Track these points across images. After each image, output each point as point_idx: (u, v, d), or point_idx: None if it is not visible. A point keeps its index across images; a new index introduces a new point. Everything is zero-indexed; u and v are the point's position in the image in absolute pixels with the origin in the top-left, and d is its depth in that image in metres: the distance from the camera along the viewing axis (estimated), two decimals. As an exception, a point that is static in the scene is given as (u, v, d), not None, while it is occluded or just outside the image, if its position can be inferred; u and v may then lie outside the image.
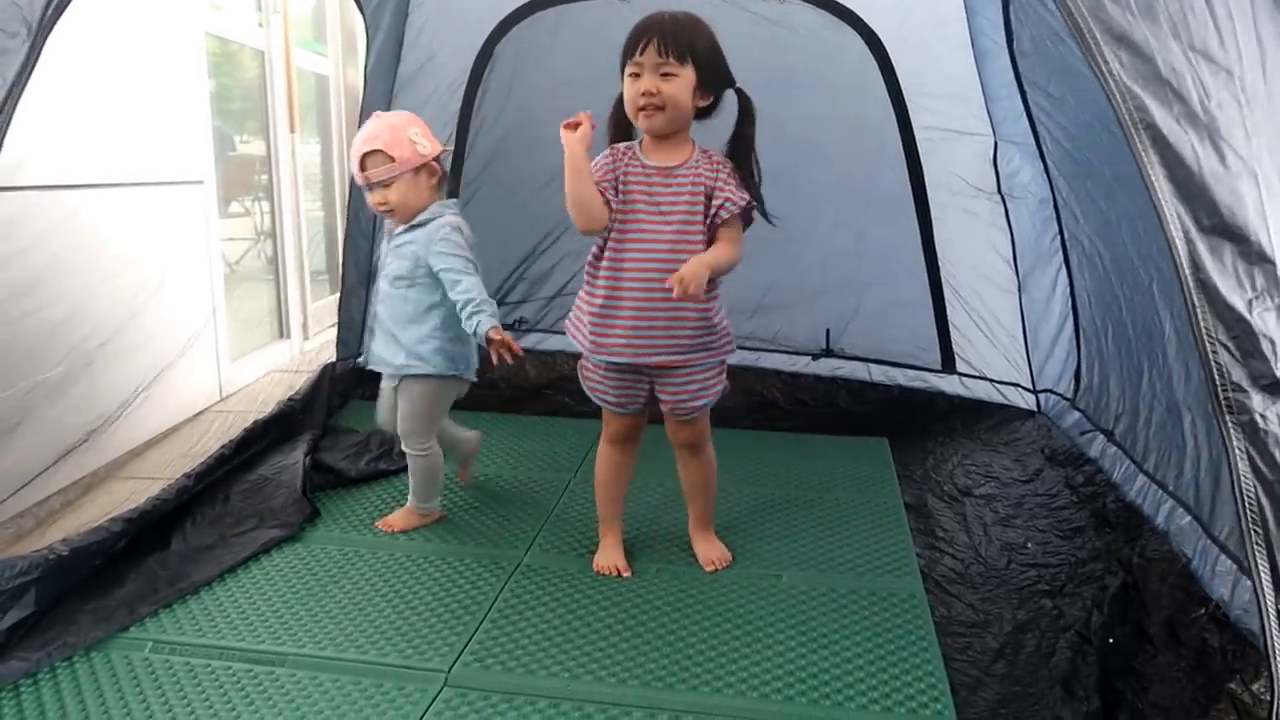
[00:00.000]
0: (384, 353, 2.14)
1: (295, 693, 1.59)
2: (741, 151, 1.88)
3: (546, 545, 2.16)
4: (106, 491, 2.48)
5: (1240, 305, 1.20)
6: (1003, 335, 3.00)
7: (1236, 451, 1.21)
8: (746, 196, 1.85)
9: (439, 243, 2.05)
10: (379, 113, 2.09)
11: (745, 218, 1.88)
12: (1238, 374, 1.20)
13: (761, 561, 2.10)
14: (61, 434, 2.44)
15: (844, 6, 2.93)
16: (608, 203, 1.84)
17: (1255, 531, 1.21)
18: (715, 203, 1.84)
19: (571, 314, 1.99)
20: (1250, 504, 1.21)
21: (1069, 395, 2.73)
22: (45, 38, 1.51)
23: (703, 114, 1.87)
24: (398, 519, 2.23)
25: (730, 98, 1.89)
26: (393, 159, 2.02)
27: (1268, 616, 1.21)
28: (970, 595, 1.94)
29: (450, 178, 3.28)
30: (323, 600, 1.88)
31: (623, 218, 1.85)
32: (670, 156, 1.86)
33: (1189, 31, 1.23)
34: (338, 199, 4.61)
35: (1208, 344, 1.21)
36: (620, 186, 1.85)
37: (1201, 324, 1.21)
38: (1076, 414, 2.64)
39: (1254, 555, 1.22)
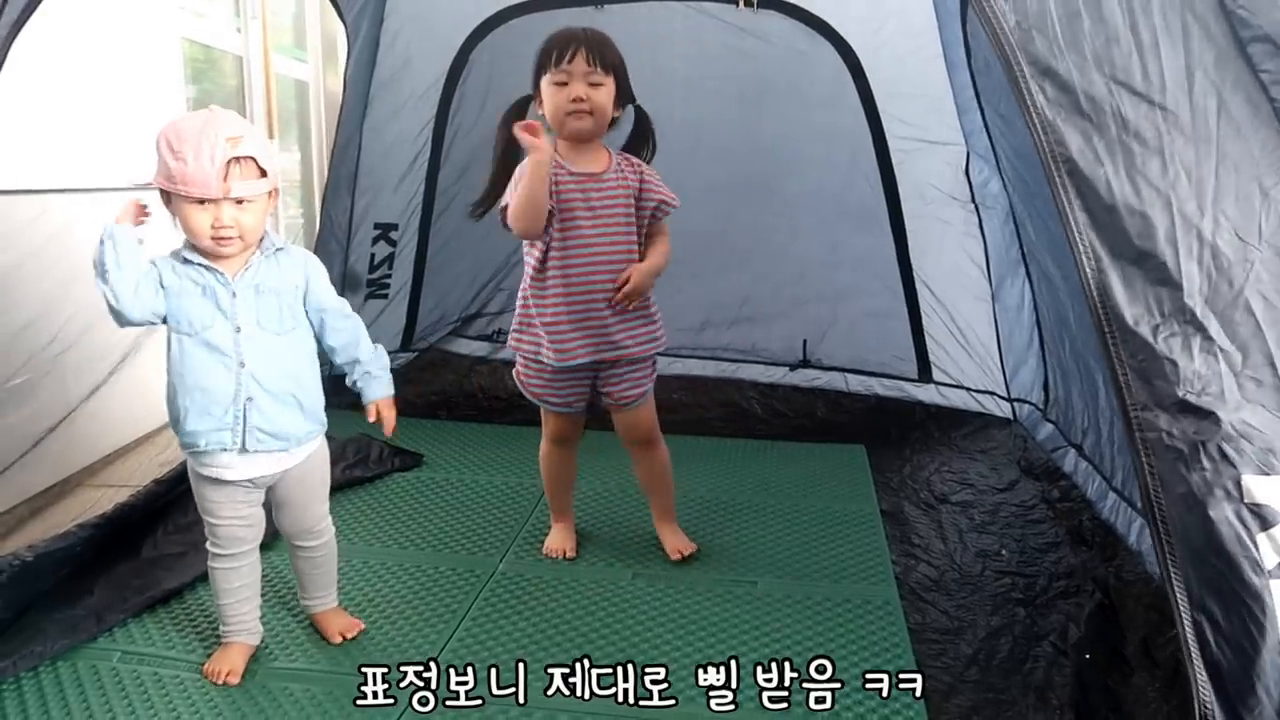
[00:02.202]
0: (280, 425, 1.58)
1: (265, 703, 1.58)
2: (644, 157, 2.03)
3: (522, 553, 2.16)
4: (77, 499, 2.45)
5: (1146, 332, 1.25)
6: (978, 344, 3.02)
7: (1146, 466, 1.26)
8: (676, 196, 1.99)
9: (319, 271, 1.64)
10: (215, 107, 1.56)
11: None
12: (1145, 395, 1.25)
13: (737, 568, 2.09)
14: (20, 441, 2.40)
15: (817, 17, 2.95)
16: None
17: (1167, 541, 1.25)
18: (649, 203, 1.96)
19: (514, 329, 2.02)
20: (1161, 514, 1.26)
21: (1041, 405, 2.76)
22: (12, 40, 1.49)
23: (611, 125, 1.97)
24: (342, 626, 1.78)
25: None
26: (264, 173, 1.52)
27: (1183, 620, 1.25)
28: (945, 602, 1.94)
29: (425, 183, 3.29)
30: (294, 609, 1.86)
31: (562, 226, 1.90)
32: (593, 163, 1.94)
33: (1112, 63, 1.27)
34: (317, 206, 4.59)
35: (1117, 367, 1.27)
36: (552, 194, 1.89)
37: (1111, 349, 1.27)
38: (1049, 426, 2.66)
39: (1167, 562, 1.26)
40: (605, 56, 1.87)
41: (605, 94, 1.87)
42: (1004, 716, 1.57)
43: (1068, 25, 1.29)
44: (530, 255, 1.96)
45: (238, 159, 1.48)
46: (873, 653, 1.76)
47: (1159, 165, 1.26)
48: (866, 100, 2.99)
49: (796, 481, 2.63)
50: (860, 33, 2.94)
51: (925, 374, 3.11)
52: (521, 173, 1.83)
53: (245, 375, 1.55)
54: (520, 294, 2.00)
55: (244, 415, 1.55)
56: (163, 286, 1.53)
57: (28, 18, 1.55)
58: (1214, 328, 1.25)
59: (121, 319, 1.51)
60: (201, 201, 1.47)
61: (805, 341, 3.21)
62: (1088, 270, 1.27)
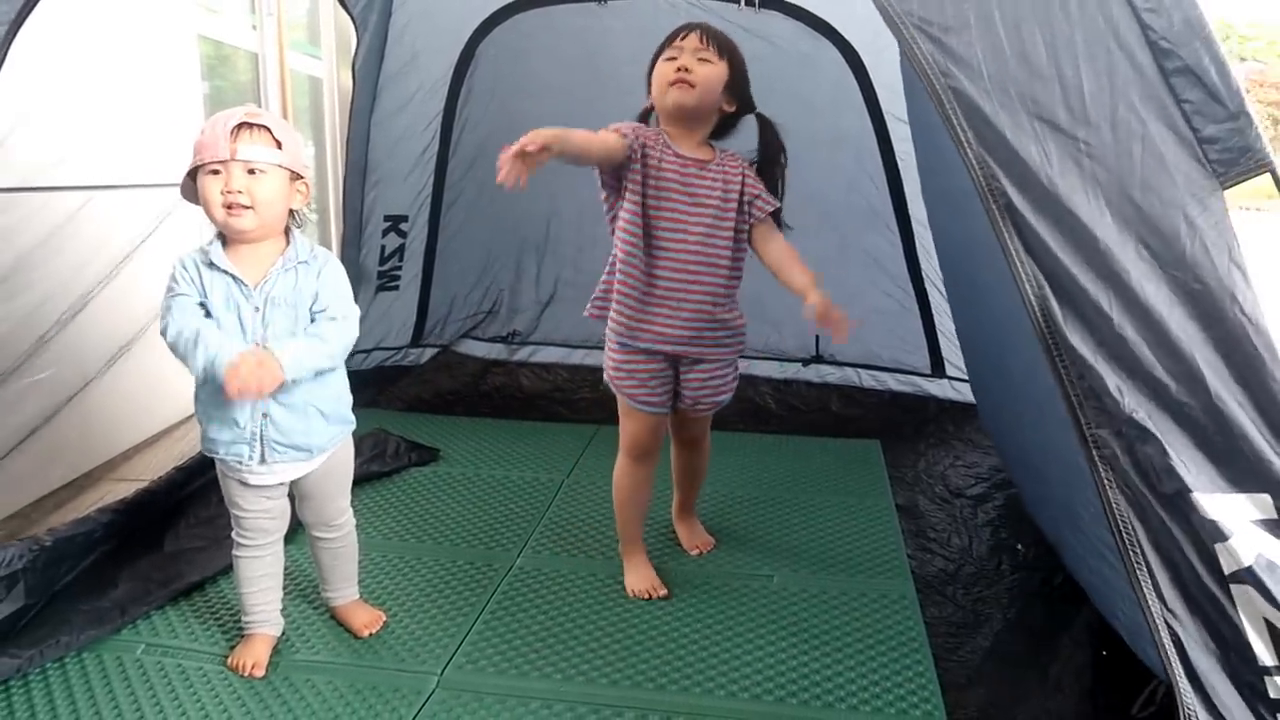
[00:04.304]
0: (299, 438, 1.59)
1: (288, 695, 1.59)
2: (767, 168, 1.95)
3: (539, 547, 2.17)
4: (98, 493, 2.47)
5: (1088, 354, 1.30)
6: (991, 339, 3.02)
7: (1105, 482, 1.32)
8: (775, 200, 1.92)
9: (332, 277, 1.59)
10: (251, 106, 1.58)
11: (776, 219, 1.95)
12: (1095, 414, 1.31)
13: (753, 563, 2.10)
14: (41, 431, 2.43)
15: (820, 18, 2.96)
16: (631, 147, 1.80)
17: (1133, 551, 1.32)
18: (748, 198, 1.89)
19: (604, 305, 1.95)
20: (1125, 526, 1.32)
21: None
22: (12, 36, 1.50)
23: (721, 128, 1.92)
24: (367, 620, 1.79)
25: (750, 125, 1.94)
26: (279, 144, 1.53)
27: (1158, 628, 1.32)
28: (961, 596, 1.95)
29: (434, 175, 3.30)
30: (314, 602, 1.88)
31: (658, 206, 1.85)
32: (701, 151, 1.90)
33: (1035, 101, 1.31)
34: (332, 203, 4.61)
35: (1069, 388, 1.32)
36: (652, 172, 1.85)
37: (1061, 371, 1.32)
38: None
39: (1134, 570, 1.32)
40: (720, 41, 1.83)
41: (713, 71, 1.81)
42: (1022, 710, 1.58)
43: (993, 65, 1.32)
44: (622, 236, 1.89)
45: (250, 125, 1.49)
46: (889, 646, 1.76)
47: (1084, 200, 1.30)
48: (870, 101, 2.99)
49: (811, 476, 2.64)
50: (863, 34, 2.94)
51: (938, 369, 3.12)
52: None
53: (248, 406, 1.54)
54: (604, 275, 1.95)
55: (260, 430, 1.56)
56: (204, 296, 1.53)
57: (28, 14, 1.54)
58: (1145, 355, 1.30)
59: None
60: (217, 172, 1.48)
61: (818, 337, 3.22)
62: (1031, 295, 1.32)
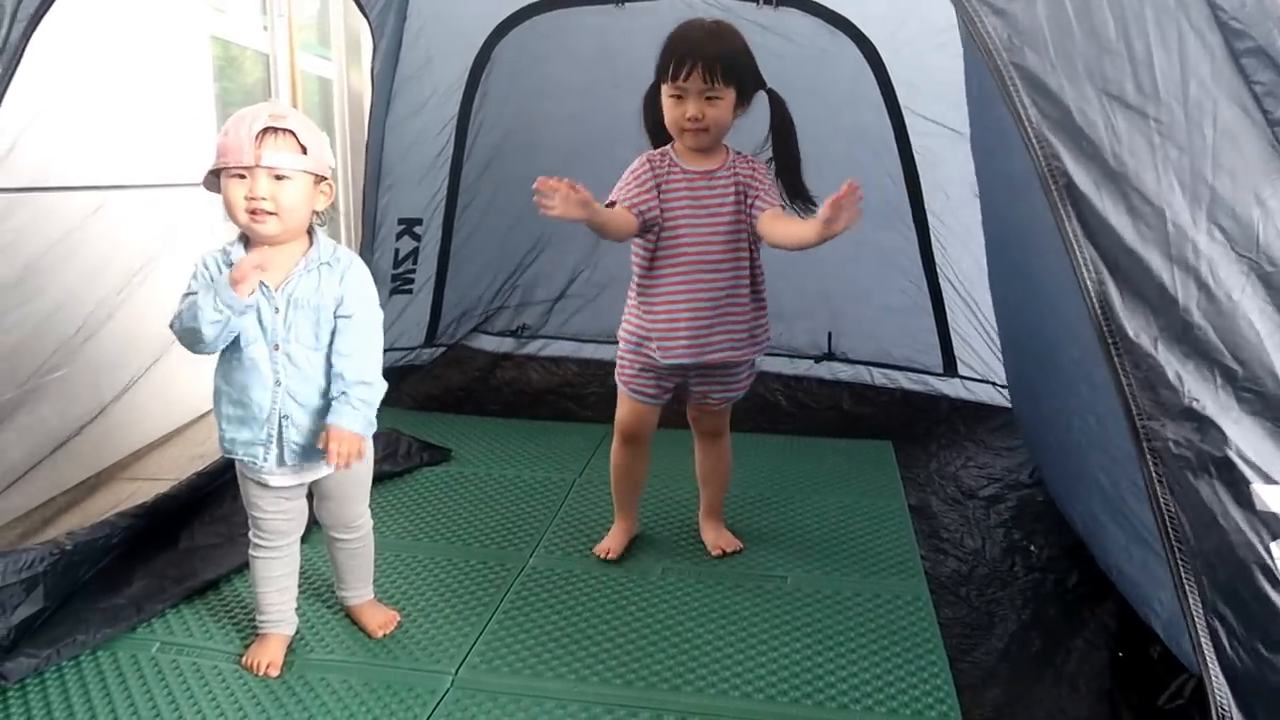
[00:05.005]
0: (321, 439, 1.56)
1: (303, 694, 1.60)
2: (781, 146, 1.95)
3: (552, 547, 2.17)
4: (111, 492, 2.48)
5: (1147, 343, 1.27)
6: (1003, 338, 3.01)
7: (1155, 475, 1.28)
8: (776, 199, 1.91)
9: (356, 280, 1.58)
10: (276, 102, 1.58)
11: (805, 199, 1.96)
12: (1150, 405, 1.28)
13: (766, 563, 2.10)
14: (57, 432, 2.44)
15: (838, 14, 2.95)
16: (640, 214, 1.86)
17: (1178, 547, 1.28)
18: (748, 202, 1.90)
19: (624, 318, 2.00)
20: (1171, 521, 1.29)
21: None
22: (29, 34, 1.50)
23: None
24: (382, 621, 1.79)
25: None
26: (304, 149, 1.51)
27: (1197, 625, 1.28)
28: (975, 597, 1.94)
29: (449, 178, 3.31)
30: (329, 601, 1.88)
31: (673, 224, 1.88)
32: (709, 161, 1.91)
33: (1104, 76, 1.27)
34: (342, 202, 4.63)
35: (1122, 378, 1.29)
36: (665, 199, 1.87)
37: (1115, 360, 1.28)
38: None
39: (1179, 568, 1.29)
40: (723, 68, 1.79)
41: (723, 107, 1.82)
42: (1037, 710, 1.57)
43: (1059, 39, 1.28)
44: (637, 251, 1.93)
45: (275, 130, 1.48)
46: (904, 648, 1.76)
47: (1153, 179, 1.27)
48: (889, 98, 2.98)
49: (824, 477, 2.63)
50: (881, 30, 2.94)
51: (950, 368, 3.11)
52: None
53: (281, 393, 1.56)
54: (630, 286, 1.98)
55: (279, 431, 1.57)
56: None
57: (47, 9, 1.55)
58: (1212, 340, 1.26)
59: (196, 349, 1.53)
60: (241, 176, 1.48)
61: (830, 335, 3.21)
62: (1088, 282, 1.29)
